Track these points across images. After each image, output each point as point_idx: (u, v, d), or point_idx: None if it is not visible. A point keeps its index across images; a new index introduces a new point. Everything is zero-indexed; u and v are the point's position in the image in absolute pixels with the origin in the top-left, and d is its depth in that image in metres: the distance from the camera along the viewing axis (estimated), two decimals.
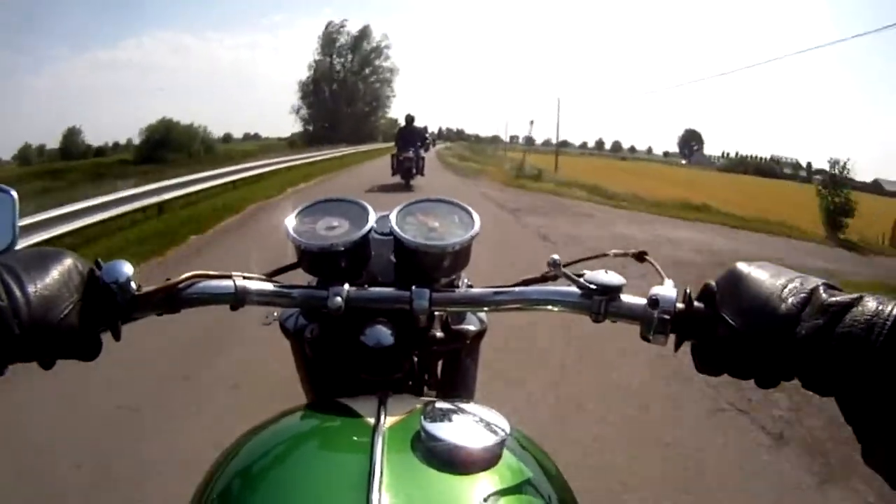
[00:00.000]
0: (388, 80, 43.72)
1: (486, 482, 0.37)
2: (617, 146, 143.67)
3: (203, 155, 24.17)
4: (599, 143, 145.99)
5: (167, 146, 25.13)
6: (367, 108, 43.22)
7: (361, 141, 32.24)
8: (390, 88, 43.90)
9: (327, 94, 41.34)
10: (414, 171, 9.88)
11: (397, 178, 9.84)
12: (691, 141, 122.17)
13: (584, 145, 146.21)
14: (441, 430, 0.38)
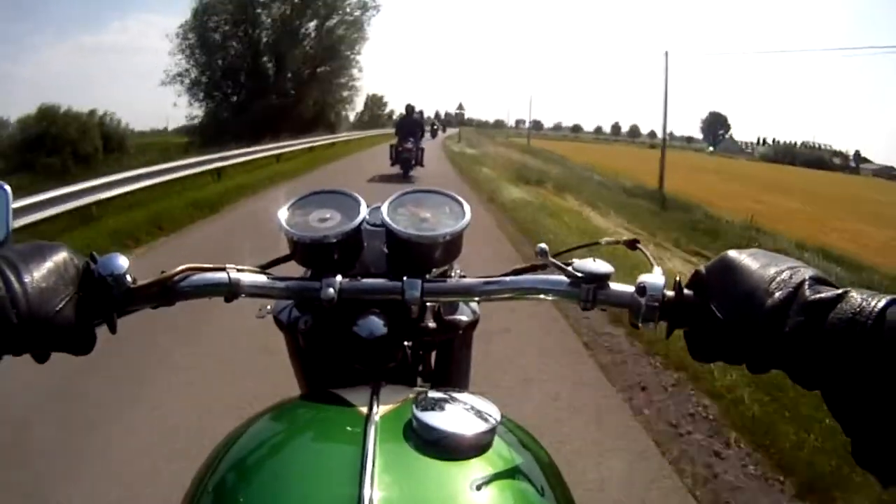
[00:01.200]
0: (355, 22, 23.95)
1: (478, 468, 0.41)
2: (635, 130, 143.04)
3: (101, 155, 15.45)
4: (616, 128, 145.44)
5: (48, 146, 14.95)
6: (317, 70, 24.03)
7: (306, 130, 18.43)
8: (358, 34, 24.17)
9: (235, 48, 22.47)
10: (413, 161, 10.38)
11: (396, 169, 10.40)
12: (716, 125, 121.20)
13: (598, 130, 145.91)
14: (433, 418, 0.42)
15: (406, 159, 10.31)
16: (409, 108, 11.17)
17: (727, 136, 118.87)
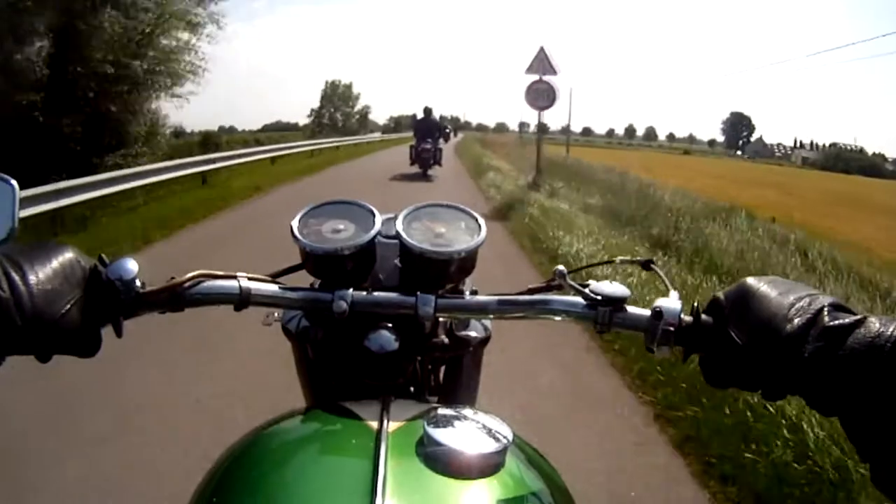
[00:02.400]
0: None
1: (490, 489, 0.44)
2: (650, 133, 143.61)
3: None
4: (630, 131, 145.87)
5: None
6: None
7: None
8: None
9: None
10: (431, 161, 12.01)
11: (416, 168, 12.04)
12: (740, 127, 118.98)
13: (610, 133, 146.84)
14: (444, 435, 0.45)
15: (425, 159, 11.89)
16: (427, 111, 12.78)
17: (757, 139, 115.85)
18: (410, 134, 13.87)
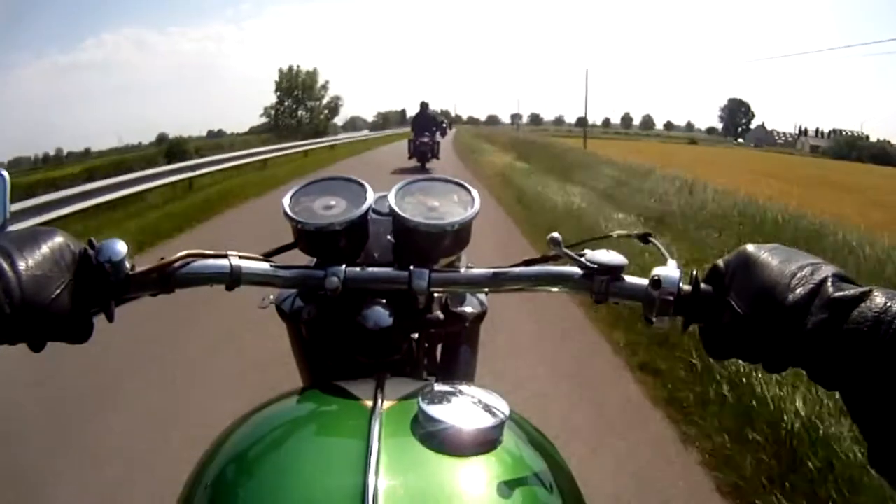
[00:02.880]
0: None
1: (487, 465, 0.45)
2: (648, 121, 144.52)
3: None
4: (626, 120, 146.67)
5: None
6: None
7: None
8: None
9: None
10: (429, 154, 12.84)
11: (414, 161, 12.72)
12: (738, 114, 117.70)
13: (606, 123, 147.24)
14: (440, 412, 0.45)
15: (423, 152, 12.66)
16: (424, 105, 13.48)
17: (759, 126, 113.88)
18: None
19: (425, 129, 12.93)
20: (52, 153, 38.06)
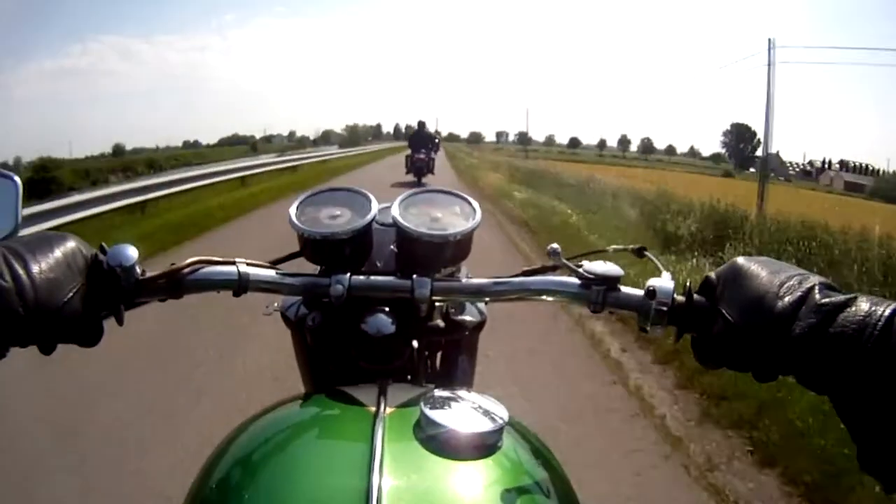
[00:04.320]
0: None
1: (486, 469, 0.52)
2: (648, 145, 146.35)
3: None
4: (624, 142, 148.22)
5: None
6: None
7: None
8: None
9: None
10: (425, 170, 15.56)
11: (411, 177, 15.39)
12: (741, 141, 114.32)
13: (602, 144, 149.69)
14: (441, 416, 0.53)
15: (419, 168, 15.38)
16: (421, 124, 16.69)
17: (773, 155, 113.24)
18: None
19: (421, 146, 15.68)
20: None
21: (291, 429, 0.63)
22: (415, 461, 0.51)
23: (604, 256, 0.72)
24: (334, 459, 0.54)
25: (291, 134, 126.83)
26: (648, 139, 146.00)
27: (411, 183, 14.05)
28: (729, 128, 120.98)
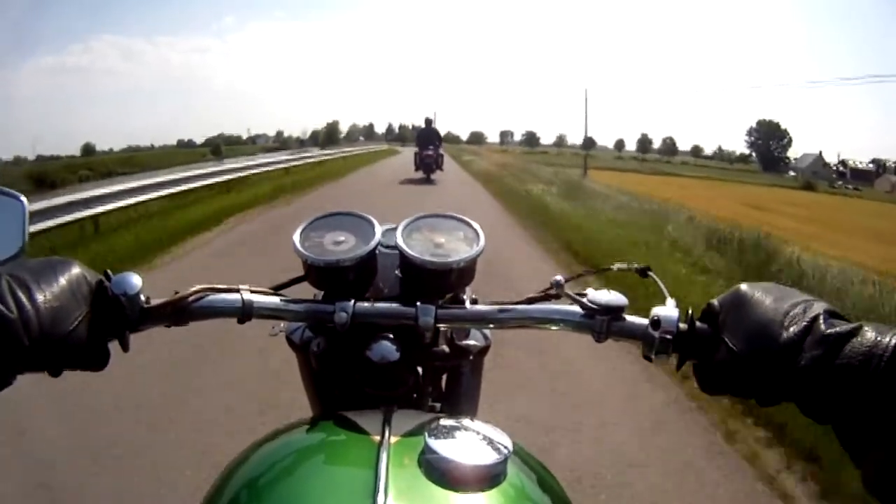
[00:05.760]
0: None
1: (492, 500, 0.56)
2: (670, 146, 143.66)
3: None
4: (644, 143, 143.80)
5: None
6: None
7: None
8: None
9: None
10: (434, 166, 17.55)
11: (420, 174, 17.33)
12: (770, 140, 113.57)
13: (620, 145, 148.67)
14: (446, 448, 0.57)
15: (428, 164, 17.40)
16: (428, 121, 18.97)
17: (815, 157, 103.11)
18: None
19: (429, 143, 17.63)
20: None
21: (296, 455, 0.68)
22: (418, 492, 0.56)
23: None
24: (339, 488, 0.59)
25: (279, 134, 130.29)
26: (671, 139, 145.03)
27: (421, 180, 16.60)
28: (755, 125, 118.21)
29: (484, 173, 21.48)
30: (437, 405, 0.96)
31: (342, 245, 0.81)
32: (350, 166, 24.84)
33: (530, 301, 0.79)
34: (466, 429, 0.62)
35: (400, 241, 0.80)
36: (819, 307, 0.57)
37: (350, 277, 0.79)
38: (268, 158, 20.33)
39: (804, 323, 0.55)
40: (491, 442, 0.60)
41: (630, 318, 0.70)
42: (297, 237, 0.81)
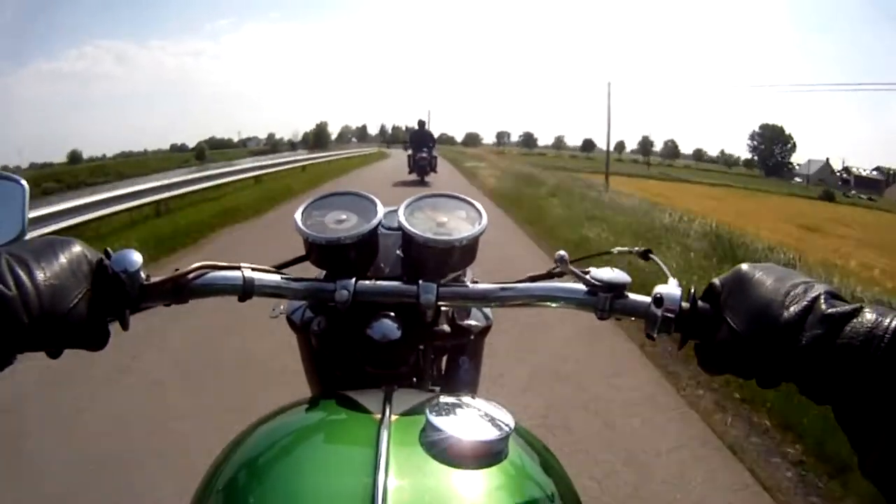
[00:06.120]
0: None
1: (492, 477, 0.57)
2: (672, 149, 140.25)
3: None
4: (645, 146, 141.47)
5: None
6: None
7: None
8: None
9: None
10: (428, 168, 17.82)
11: (414, 176, 17.55)
12: (774, 144, 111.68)
13: (619, 147, 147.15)
14: (447, 424, 0.58)
15: (422, 166, 17.58)
16: (421, 123, 19.08)
17: (822, 163, 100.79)
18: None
19: (423, 145, 17.83)
20: None
21: (297, 434, 0.69)
22: (420, 469, 0.57)
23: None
24: (340, 466, 0.60)
25: (270, 136, 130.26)
26: (673, 141, 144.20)
27: (414, 182, 16.86)
28: (758, 129, 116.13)
29: (500, 193, 14.82)
30: (437, 388, 0.96)
31: (344, 224, 0.82)
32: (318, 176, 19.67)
33: (533, 279, 0.80)
34: (468, 406, 0.63)
35: (402, 220, 0.81)
36: (820, 287, 0.58)
37: (351, 256, 0.80)
38: (243, 164, 17.65)
39: (805, 303, 0.56)
40: (492, 419, 0.61)
41: (633, 296, 0.71)
42: (298, 216, 0.82)
